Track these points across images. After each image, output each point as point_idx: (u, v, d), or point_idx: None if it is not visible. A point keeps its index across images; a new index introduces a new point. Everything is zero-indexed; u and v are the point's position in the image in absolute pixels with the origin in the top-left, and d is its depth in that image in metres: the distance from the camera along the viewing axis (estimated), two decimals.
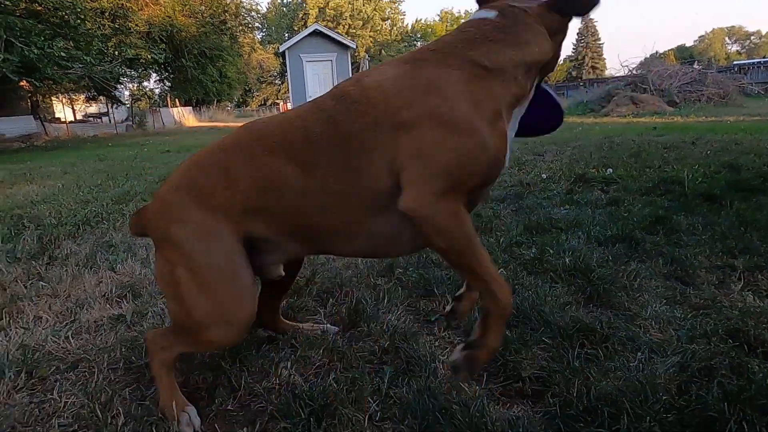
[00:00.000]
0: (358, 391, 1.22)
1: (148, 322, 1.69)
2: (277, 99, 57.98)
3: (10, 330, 1.71)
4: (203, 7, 22.34)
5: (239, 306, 1.14)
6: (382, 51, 54.57)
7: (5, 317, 1.81)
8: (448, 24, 64.60)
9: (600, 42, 62.28)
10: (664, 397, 1.09)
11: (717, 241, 2.14)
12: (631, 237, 2.22)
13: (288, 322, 1.59)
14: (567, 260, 1.92)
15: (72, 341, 1.60)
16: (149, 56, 14.77)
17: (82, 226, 3.21)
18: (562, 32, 1.18)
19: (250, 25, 30.57)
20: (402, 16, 60.34)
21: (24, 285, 2.16)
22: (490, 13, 1.13)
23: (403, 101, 1.03)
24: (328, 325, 1.61)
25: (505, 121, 1.07)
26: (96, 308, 1.86)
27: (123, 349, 1.50)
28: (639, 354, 1.28)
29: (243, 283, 1.14)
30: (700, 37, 76.01)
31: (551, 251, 2.11)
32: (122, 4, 14.65)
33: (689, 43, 74.82)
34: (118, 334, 1.63)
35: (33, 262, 2.47)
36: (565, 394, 1.14)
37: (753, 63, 25.82)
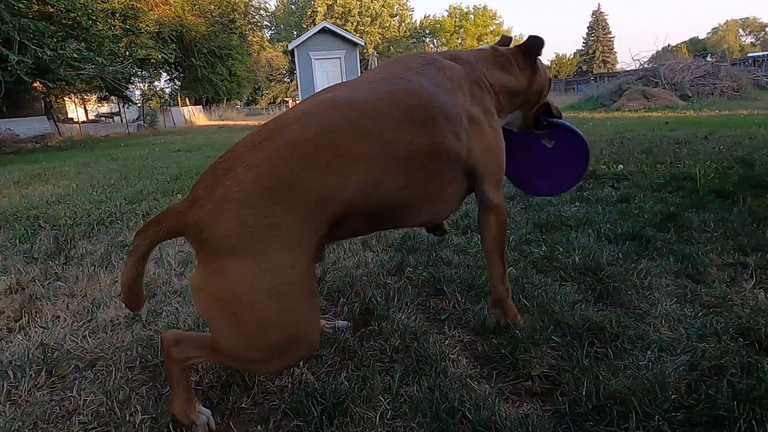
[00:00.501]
0: (369, 389, 1.24)
1: (163, 321, 1.73)
2: (287, 97, 58.14)
3: (30, 329, 1.75)
4: (212, 7, 22.46)
5: (314, 327, 1.04)
6: (391, 47, 54.46)
7: (24, 316, 1.86)
8: (457, 19, 64.27)
9: (611, 36, 61.57)
10: (673, 396, 1.10)
11: (729, 239, 2.13)
12: (642, 234, 2.21)
13: None
14: (577, 258, 1.92)
15: (89, 340, 1.64)
16: (159, 56, 14.90)
17: (96, 226, 3.26)
18: (531, 68, 1.52)
19: (259, 24, 30.70)
20: (410, 12, 60.15)
21: (41, 285, 2.21)
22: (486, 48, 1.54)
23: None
24: (339, 321, 1.63)
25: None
26: (112, 307, 1.90)
27: (139, 348, 1.54)
28: (648, 353, 1.29)
29: (317, 300, 1.06)
30: (713, 29, 74.87)
31: (561, 249, 2.11)
32: (133, 5, 14.78)
33: (702, 36, 73.75)
34: (134, 333, 1.66)
35: (50, 261, 2.53)
36: (575, 393, 1.15)
37: None
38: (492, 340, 1.45)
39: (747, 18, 73.74)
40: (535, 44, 1.49)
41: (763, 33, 72.08)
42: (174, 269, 2.33)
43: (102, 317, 1.81)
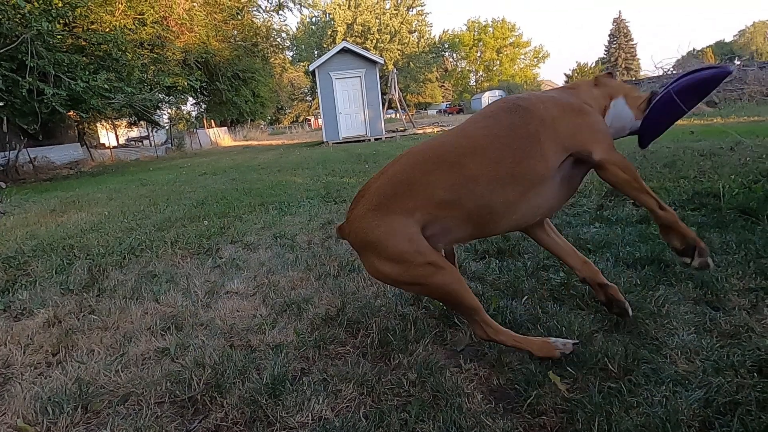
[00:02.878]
0: (386, 426, 1.28)
1: (190, 356, 1.80)
2: (309, 115, 59.01)
3: (66, 363, 1.85)
4: (236, 32, 23.13)
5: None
6: (410, 63, 54.91)
7: (62, 351, 1.97)
8: (475, 33, 64.44)
9: (633, 42, 60.80)
10: None
11: (750, 261, 2.10)
12: (661, 259, 2.20)
13: None
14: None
15: (121, 374, 1.72)
16: (186, 83, 15.40)
17: (127, 255, 3.40)
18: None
19: (280, 46, 31.48)
20: (429, 28, 60.70)
21: (77, 317, 2.32)
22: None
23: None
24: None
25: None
26: (143, 341, 1.99)
27: (168, 383, 1.61)
28: (663, 387, 1.29)
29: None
30: (740, 31, 73.19)
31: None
32: (160, 35, 15.36)
33: (729, 39, 72.13)
34: (163, 368, 1.74)
35: (84, 293, 2.65)
36: (587, 431, 1.17)
37: None
38: (507, 375, 1.47)
39: None
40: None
41: None
42: (201, 300, 2.42)
43: (133, 351, 1.90)
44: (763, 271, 1.99)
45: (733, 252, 2.24)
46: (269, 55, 28.94)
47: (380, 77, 18.94)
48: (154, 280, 2.80)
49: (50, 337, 2.11)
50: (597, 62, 65.28)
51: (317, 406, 1.40)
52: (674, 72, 18.10)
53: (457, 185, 1.49)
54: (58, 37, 10.33)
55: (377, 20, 54.72)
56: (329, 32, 55.29)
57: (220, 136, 32.10)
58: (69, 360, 1.88)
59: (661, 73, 18.98)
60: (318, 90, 18.28)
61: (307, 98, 58.44)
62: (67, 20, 11.57)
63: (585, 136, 1.58)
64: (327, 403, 1.42)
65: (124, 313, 2.32)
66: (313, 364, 1.67)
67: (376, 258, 1.51)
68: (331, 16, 56.03)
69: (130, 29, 13.30)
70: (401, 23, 55.63)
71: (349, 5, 55.43)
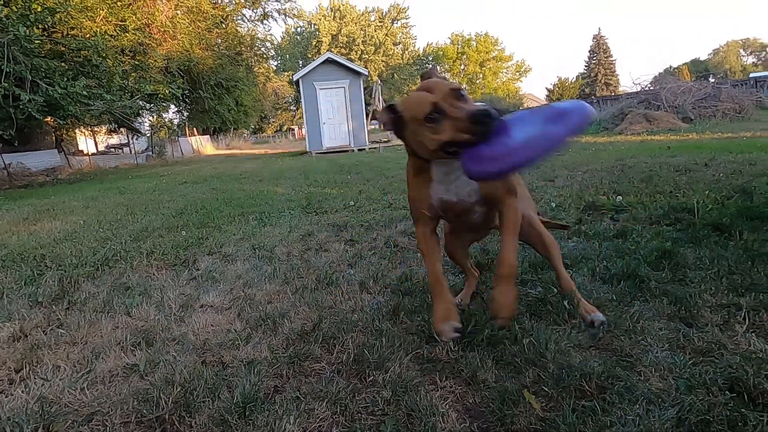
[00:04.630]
0: None
1: (160, 372, 1.75)
2: (293, 124, 58.89)
3: (30, 381, 1.78)
4: (219, 40, 23.03)
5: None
6: (395, 75, 55.30)
7: (26, 367, 1.89)
8: (459, 46, 65.29)
9: (612, 59, 62.24)
10: None
11: (723, 277, 2.13)
12: (636, 274, 2.22)
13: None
14: (566, 303, 1.93)
15: (87, 392, 1.66)
16: (167, 91, 15.25)
17: (101, 266, 3.31)
18: None
19: (265, 55, 31.41)
20: (413, 40, 61.28)
21: (44, 332, 2.24)
22: None
23: None
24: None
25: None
26: (111, 357, 1.93)
27: (135, 402, 1.56)
28: (636, 406, 1.29)
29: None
30: (714, 50, 75.52)
31: (555, 291, 2.12)
32: (142, 41, 15.20)
33: (704, 57, 74.34)
34: (131, 385, 1.68)
35: (53, 306, 2.57)
36: None
37: None
38: (483, 392, 1.46)
39: (747, 39, 74.38)
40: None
41: (764, 53, 72.54)
42: (174, 313, 2.36)
43: (101, 368, 1.84)
44: (735, 288, 2.02)
45: (706, 268, 2.27)
46: (253, 64, 28.86)
47: (364, 88, 19.04)
48: (127, 293, 2.73)
49: (14, 353, 2.03)
50: (577, 77, 66.61)
51: (288, 426, 1.37)
52: (651, 88, 18.57)
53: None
54: (36, 42, 10.14)
55: (362, 32, 55.08)
56: (314, 42, 55.41)
57: (202, 144, 31.81)
58: (33, 377, 1.81)
59: (638, 89, 19.44)
60: (302, 100, 18.30)
61: (291, 108, 58.36)
62: (45, 25, 11.38)
63: None
64: (299, 423, 1.39)
65: (94, 327, 2.25)
66: (287, 382, 1.64)
67: None
68: (316, 27, 56.22)
69: (111, 35, 13.14)
70: (386, 35, 56.08)
71: (335, 16, 55.72)
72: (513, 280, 1.59)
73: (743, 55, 74.41)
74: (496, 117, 1.36)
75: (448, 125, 1.42)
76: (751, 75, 31.89)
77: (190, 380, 1.65)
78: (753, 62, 72.09)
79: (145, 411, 1.51)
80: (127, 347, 2.01)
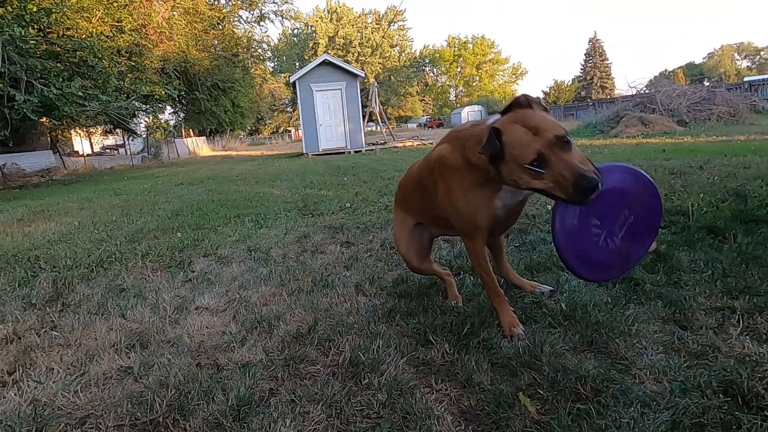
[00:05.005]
0: None
1: (154, 375, 1.74)
2: (289, 126, 58.87)
3: (23, 383, 1.77)
4: (216, 42, 23.00)
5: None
6: (391, 77, 55.40)
7: (19, 369, 1.88)
8: (455, 49, 65.49)
9: (608, 62, 62.53)
10: None
11: (717, 280, 2.14)
12: (631, 277, 2.23)
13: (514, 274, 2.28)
14: (563, 305, 1.93)
15: (81, 395, 1.65)
16: (163, 92, 15.21)
17: (95, 268, 3.30)
18: None
19: (261, 57, 31.40)
20: (410, 43, 61.45)
21: (38, 333, 2.23)
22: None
23: None
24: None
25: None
26: (105, 359, 1.92)
27: (129, 405, 1.55)
28: (631, 409, 1.29)
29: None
30: (708, 54, 75.98)
31: (549, 293, 2.13)
32: (138, 42, 15.16)
33: (698, 60, 74.80)
34: (125, 388, 1.68)
35: (47, 308, 2.55)
36: None
37: (764, 79, 25.66)
38: (478, 395, 1.46)
39: (741, 43, 74.90)
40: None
41: (758, 57, 73.06)
42: (169, 315, 2.35)
43: (94, 370, 1.83)
44: (729, 291, 2.03)
45: (700, 271, 2.28)
46: (250, 65, 28.84)
47: (361, 90, 19.05)
48: (122, 295, 2.72)
49: (7, 355, 2.02)
50: (573, 80, 66.90)
51: (284, 429, 1.36)
52: (647, 91, 18.66)
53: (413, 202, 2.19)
54: (32, 42, 10.08)
55: (359, 34, 55.16)
56: (311, 44, 55.46)
57: (198, 145, 31.75)
58: (26, 380, 1.80)
59: (634, 92, 19.55)
60: (298, 101, 18.27)
61: (288, 109, 58.35)
62: (41, 26, 11.33)
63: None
64: (294, 426, 1.38)
65: (88, 329, 2.24)
66: (282, 385, 1.63)
67: None
68: (313, 29, 56.28)
69: (107, 36, 13.08)
70: (383, 37, 56.19)
71: (331, 18, 55.80)
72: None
73: (738, 59, 74.92)
74: (598, 189, 1.38)
75: (548, 176, 1.40)
76: (746, 79, 32.13)
77: (184, 383, 1.65)
78: (747, 66, 72.61)
79: (139, 414, 1.50)
80: (121, 349, 2.00)
